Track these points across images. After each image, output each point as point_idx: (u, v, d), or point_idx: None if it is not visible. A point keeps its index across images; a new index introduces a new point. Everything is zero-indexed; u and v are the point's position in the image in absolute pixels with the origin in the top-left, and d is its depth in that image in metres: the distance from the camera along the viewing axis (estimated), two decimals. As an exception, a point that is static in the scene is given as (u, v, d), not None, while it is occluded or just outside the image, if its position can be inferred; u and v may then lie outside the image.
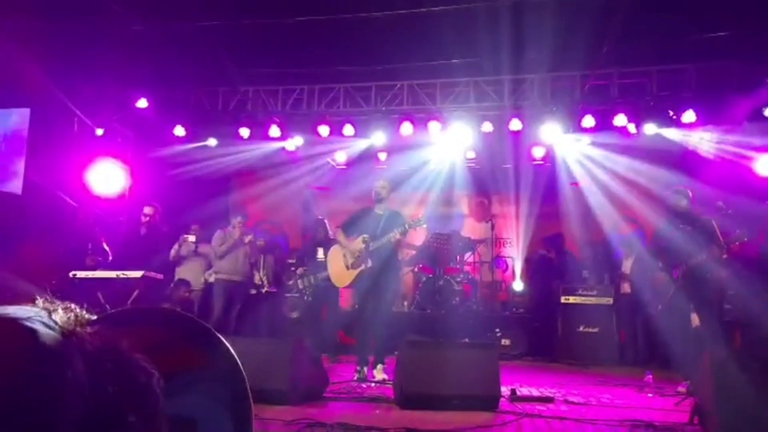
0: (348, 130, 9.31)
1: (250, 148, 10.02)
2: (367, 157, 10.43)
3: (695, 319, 5.88)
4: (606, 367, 7.62)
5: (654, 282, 6.38)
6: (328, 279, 6.88)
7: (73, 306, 0.76)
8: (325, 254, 7.44)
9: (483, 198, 11.86)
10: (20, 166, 8.92)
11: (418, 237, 9.72)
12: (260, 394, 3.77)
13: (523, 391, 5.22)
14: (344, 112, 9.42)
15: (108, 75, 8.93)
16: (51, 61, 7.86)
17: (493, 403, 4.40)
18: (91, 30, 7.61)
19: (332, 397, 4.85)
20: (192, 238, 8.47)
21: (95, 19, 7.49)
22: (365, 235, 6.08)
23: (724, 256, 5.66)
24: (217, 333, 1.15)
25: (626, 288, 8.39)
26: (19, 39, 7.27)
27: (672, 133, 8.76)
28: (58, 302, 0.75)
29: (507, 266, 11.18)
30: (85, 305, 0.79)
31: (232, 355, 1.13)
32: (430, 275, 9.38)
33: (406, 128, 9.04)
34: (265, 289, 8.86)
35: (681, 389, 5.28)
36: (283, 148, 10.06)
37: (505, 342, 8.72)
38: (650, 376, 6.09)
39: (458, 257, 9.95)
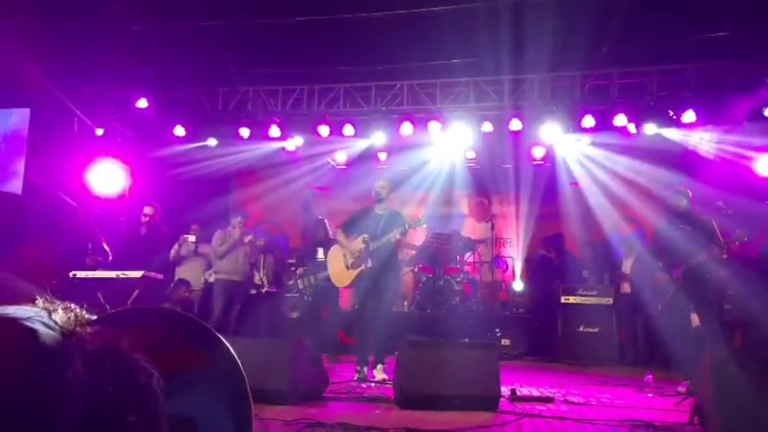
0: (348, 130, 9.30)
1: (250, 148, 10.02)
2: (367, 157, 10.42)
3: (695, 319, 5.88)
4: (606, 367, 7.61)
5: (654, 282, 6.38)
6: (328, 279, 6.88)
7: (73, 306, 0.76)
8: (325, 254, 7.44)
9: (483, 198, 11.86)
10: (20, 166, 8.92)
11: (418, 237, 9.72)
12: (260, 394, 3.77)
13: (523, 391, 5.22)
14: (344, 112, 9.42)
15: (108, 75, 8.92)
16: (51, 61, 7.85)
17: (493, 403, 4.40)
18: (91, 30, 7.61)
19: (332, 397, 4.85)
20: (192, 238, 8.47)
21: (95, 19, 7.48)
22: (365, 235, 6.08)
23: (724, 256, 5.66)
24: (217, 333, 1.15)
25: (626, 288, 8.39)
26: (19, 39, 7.27)
27: (672, 133, 8.76)
28: (58, 302, 0.75)
29: (507, 266, 11.18)
30: (85, 305, 0.79)
31: (232, 355, 1.13)
32: (430, 275, 9.38)
33: (406, 128, 9.04)
34: (265, 289, 8.86)
35: (681, 389, 5.28)
36: (283, 148, 10.06)
37: (505, 342, 8.72)
38: (650, 376, 6.09)
39: (458, 257, 9.94)
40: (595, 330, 8.45)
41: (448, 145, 9.78)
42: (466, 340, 7.00)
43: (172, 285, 8.05)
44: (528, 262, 10.81)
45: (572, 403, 4.77)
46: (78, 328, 0.71)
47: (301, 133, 9.78)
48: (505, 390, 4.79)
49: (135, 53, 8.30)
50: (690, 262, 5.66)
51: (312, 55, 8.65)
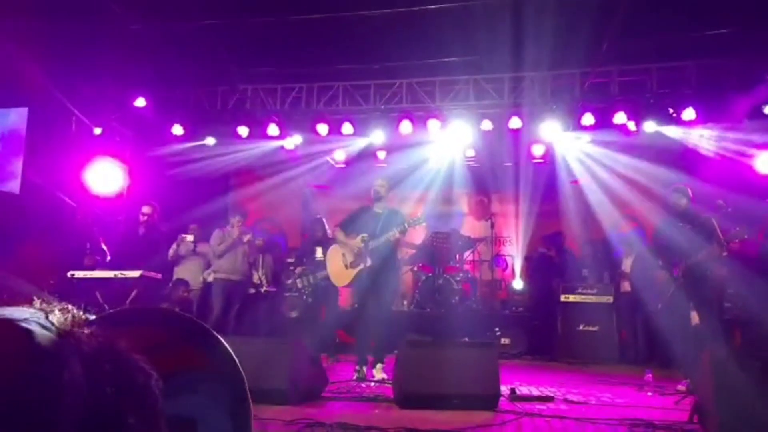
0: (347, 128, 9.29)
1: (248, 147, 10.00)
2: (367, 155, 10.41)
3: (695, 318, 5.87)
4: (606, 366, 7.61)
5: (654, 280, 6.37)
6: (327, 278, 6.87)
7: (70, 307, 0.75)
8: (324, 253, 7.43)
9: (483, 196, 11.86)
10: (18, 165, 8.90)
11: (418, 235, 9.72)
12: (259, 394, 3.74)
13: (523, 390, 5.22)
14: (343, 111, 9.40)
15: (106, 74, 8.90)
16: (49, 60, 7.84)
17: (492, 402, 4.40)
18: (89, 30, 7.60)
19: (331, 397, 4.84)
20: (190, 237, 8.45)
21: (94, 19, 7.47)
22: (364, 234, 6.06)
23: (724, 254, 5.66)
24: (215, 333, 1.14)
25: (626, 286, 8.38)
26: (17, 39, 7.26)
27: (672, 131, 8.75)
28: (55, 303, 0.74)
29: (507, 265, 11.17)
30: (83, 305, 0.79)
31: (231, 355, 1.12)
32: (430, 274, 9.37)
33: (406, 126, 9.03)
34: (264, 288, 8.84)
35: (681, 388, 5.28)
36: (282, 147, 10.04)
37: (505, 341, 8.71)
38: (650, 375, 6.09)
39: (458, 256, 9.94)
40: (595, 329, 8.45)
41: (447, 143, 9.77)
42: (466, 339, 7.00)
43: (170, 285, 8.04)
44: (528, 260, 10.81)
45: (572, 402, 4.77)
46: (75, 329, 0.71)
47: (300, 132, 9.76)
48: (504, 389, 4.79)
49: (133, 52, 8.28)
50: (690, 261, 5.66)
51: (311, 54, 8.64)
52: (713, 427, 3.42)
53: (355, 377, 5.78)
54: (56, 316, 0.71)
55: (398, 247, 6.31)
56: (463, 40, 7.84)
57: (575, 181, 10.13)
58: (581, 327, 8.49)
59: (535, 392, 5.20)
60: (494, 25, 7.22)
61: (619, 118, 8.47)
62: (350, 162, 10.68)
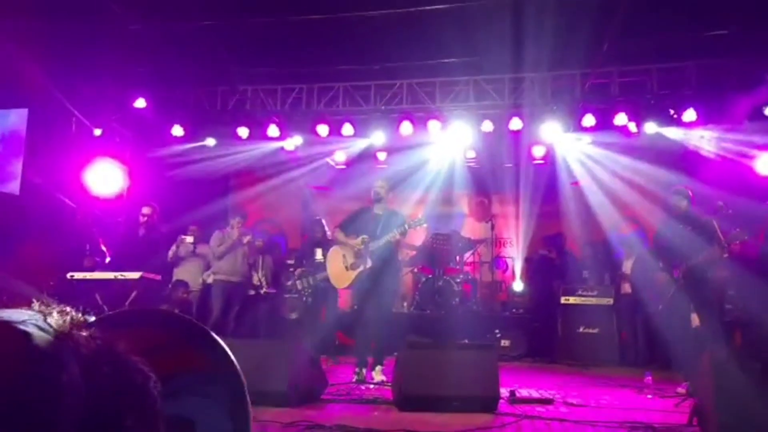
0: (347, 129, 9.29)
1: (248, 148, 9.99)
2: (367, 156, 10.41)
3: (695, 320, 5.87)
4: (606, 368, 7.60)
5: (654, 282, 6.37)
6: (326, 279, 6.86)
7: (68, 309, 0.75)
8: (324, 255, 7.42)
9: (483, 197, 11.85)
10: (18, 166, 8.91)
11: (418, 237, 9.71)
12: (259, 396, 3.75)
13: (523, 392, 5.21)
14: (343, 112, 9.40)
15: (106, 75, 8.91)
16: (49, 61, 7.84)
17: (492, 404, 4.39)
18: (89, 30, 7.60)
19: (331, 399, 4.84)
20: (190, 238, 8.45)
21: (93, 19, 7.47)
22: (364, 236, 6.06)
23: (725, 256, 5.65)
24: (215, 334, 1.14)
25: (626, 288, 8.37)
26: (17, 39, 7.26)
27: (672, 132, 8.75)
28: (53, 305, 0.74)
29: (507, 266, 11.16)
30: (83, 307, 0.79)
31: (231, 357, 1.12)
32: (430, 276, 9.36)
33: (406, 127, 9.02)
34: (264, 290, 8.84)
35: (681, 390, 5.27)
36: (282, 148, 10.04)
37: (505, 343, 8.70)
38: (649, 377, 6.08)
39: (458, 257, 9.93)
40: (595, 331, 8.43)
41: (447, 144, 9.77)
42: (466, 341, 6.99)
43: (170, 286, 8.03)
44: (528, 262, 10.79)
45: (572, 404, 4.77)
46: (74, 331, 0.71)
47: (300, 133, 9.76)
48: (504, 391, 4.78)
49: (133, 53, 8.29)
50: (691, 262, 5.65)
51: (311, 55, 8.64)
52: (713, 429, 3.41)
53: (354, 379, 5.77)
54: (54, 318, 0.71)
55: (398, 249, 6.30)
56: (463, 41, 7.83)
57: (575, 183, 10.13)
58: (581, 329, 8.47)
59: (535, 394, 5.19)
60: (494, 25, 7.22)
61: (620, 119, 8.47)
62: (350, 163, 10.67)
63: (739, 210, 6.03)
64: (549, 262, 9.57)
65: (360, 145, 9.99)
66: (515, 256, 11.20)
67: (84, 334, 0.71)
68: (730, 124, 8.33)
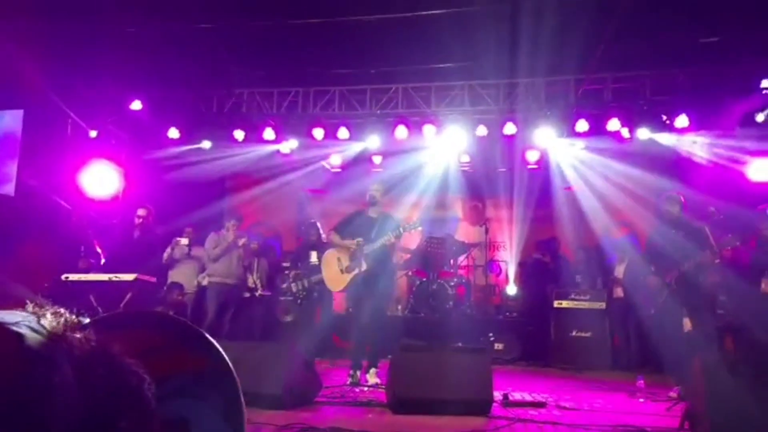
0: (343, 133, 9.30)
1: (244, 150, 10.00)
2: (362, 160, 10.43)
3: (687, 324, 5.90)
4: (599, 372, 7.63)
5: (647, 287, 6.39)
6: (321, 282, 6.87)
7: (62, 310, 0.75)
8: (318, 257, 7.43)
9: (477, 202, 11.87)
10: (13, 168, 8.88)
11: (413, 240, 9.73)
12: (253, 399, 3.76)
13: (516, 395, 5.22)
14: (339, 115, 9.42)
15: (102, 77, 8.89)
16: (45, 62, 7.82)
17: (485, 407, 4.40)
18: (85, 32, 7.59)
19: (325, 402, 4.84)
20: (185, 241, 8.44)
21: (89, 21, 7.46)
22: (359, 239, 6.07)
23: (717, 261, 5.69)
24: (210, 337, 1.15)
25: (619, 292, 8.40)
26: (12, 40, 7.24)
27: (665, 138, 8.80)
28: (47, 306, 0.74)
29: (500, 270, 11.18)
30: (77, 308, 0.79)
31: (225, 359, 1.12)
32: (424, 279, 9.37)
33: (401, 131, 9.05)
34: (259, 292, 8.83)
35: (672, 394, 5.30)
36: (278, 151, 10.05)
37: (498, 346, 8.72)
38: (642, 381, 6.10)
39: (452, 261, 9.95)
40: (588, 335, 8.46)
41: (442, 148, 9.80)
42: (460, 344, 7.00)
43: (165, 288, 8.02)
44: (522, 266, 10.83)
45: (564, 408, 4.78)
46: (67, 333, 0.70)
47: (296, 136, 9.77)
48: (497, 395, 4.80)
49: (130, 55, 8.28)
50: (683, 267, 5.69)
51: (307, 58, 8.66)
52: (704, 433, 3.44)
53: (348, 382, 5.77)
54: (48, 320, 0.70)
55: (393, 252, 6.32)
56: (459, 46, 7.87)
57: (569, 188, 10.17)
58: (574, 333, 8.50)
59: (528, 398, 5.21)
60: (490, 31, 7.26)
61: (613, 124, 8.52)
62: (346, 166, 10.69)
63: (730, 216, 6.07)
64: (543, 266, 9.60)
65: (355, 148, 10.01)
66: (509, 259, 11.23)
67: (78, 335, 0.71)
68: (721, 130, 8.39)
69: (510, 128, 8.89)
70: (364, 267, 6.04)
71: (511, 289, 10.54)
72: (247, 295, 8.73)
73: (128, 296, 6.49)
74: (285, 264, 9.34)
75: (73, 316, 0.75)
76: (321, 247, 7.70)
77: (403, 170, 10.27)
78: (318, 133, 9.30)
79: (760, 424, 3.19)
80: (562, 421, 4.17)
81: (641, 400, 5.40)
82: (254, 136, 9.50)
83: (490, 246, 10.96)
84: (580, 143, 9.39)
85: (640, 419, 4.28)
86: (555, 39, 7.19)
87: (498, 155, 10.34)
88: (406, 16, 7.40)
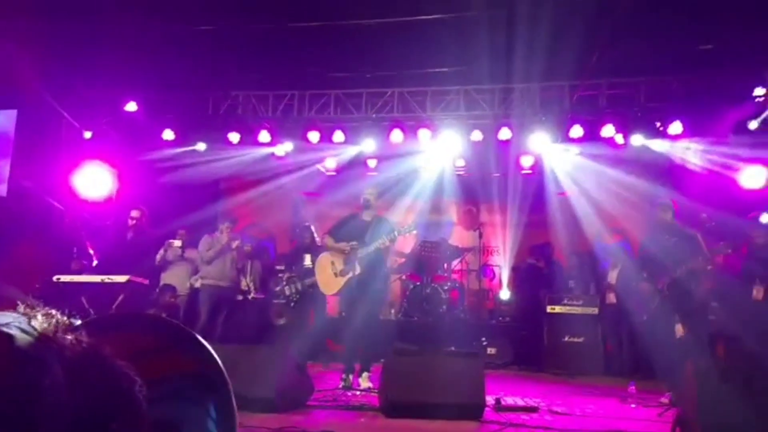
0: (338, 136, 9.30)
1: (239, 153, 9.98)
2: (357, 163, 10.43)
3: (679, 330, 5.92)
4: (591, 377, 7.64)
5: (639, 292, 6.42)
6: (314, 285, 6.87)
7: (53, 312, 0.75)
8: (312, 260, 7.42)
9: (471, 206, 11.89)
10: (6, 168, 8.84)
11: (408, 244, 9.73)
12: (245, 402, 3.75)
13: (508, 400, 5.23)
14: (335, 119, 9.43)
15: (97, 77, 8.87)
16: (39, 62, 7.80)
17: (477, 412, 4.41)
18: (79, 32, 7.57)
19: (317, 405, 4.84)
20: (178, 242, 8.42)
21: (84, 21, 7.44)
22: (353, 242, 6.08)
23: (709, 267, 5.72)
24: (202, 339, 1.14)
25: (611, 298, 8.43)
26: (6, 39, 7.22)
27: (658, 144, 8.84)
28: (38, 308, 0.74)
29: (494, 275, 11.20)
30: (69, 310, 0.79)
31: (217, 362, 1.12)
32: (418, 283, 9.38)
33: (396, 135, 9.06)
34: (252, 295, 8.81)
35: (664, 400, 5.32)
36: (273, 154, 10.04)
37: (491, 351, 8.73)
38: (633, 387, 6.12)
39: (446, 265, 9.96)
40: (581, 340, 8.48)
41: (437, 152, 9.82)
42: (453, 348, 7.00)
43: (157, 290, 7.99)
44: (516, 270, 10.85)
45: (556, 413, 4.79)
46: (58, 334, 0.70)
47: (291, 139, 9.76)
48: (490, 399, 4.80)
49: (125, 56, 8.26)
50: (675, 273, 5.72)
51: (303, 61, 8.66)
52: (695, 439, 3.45)
53: (341, 385, 5.77)
54: (39, 321, 0.70)
55: (387, 256, 6.32)
56: (454, 51, 7.89)
57: (563, 193, 10.20)
58: (567, 338, 8.51)
59: (520, 402, 5.22)
60: (485, 36, 7.28)
61: (608, 130, 8.55)
62: (341, 170, 10.69)
63: (722, 223, 6.11)
64: (536, 271, 9.62)
65: (350, 152, 10.01)
66: (502, 264, 11.26)
67: (69, 337, 0.71)
68: (715, 137, 8.44)
69: (505, 133, 8.92)
70: (357, 270, 6.04)
71: (505, 294, 10.57)
72: (240, 297, 8.71)
73: (120, 298, 6.47)
74: (279, 267, 9.32)
75: (65, 318, 0.75)
76: (315, 250, 7.70)
77: (397, 174, 10.28)
78: (313, 136, 9.30)
79: (749, 431, 3.21)
80: (554, 426, 4.18)
81: (633, 405, 5.42)
82: (249, 139, 9.48)
83: (483, 250, 10.98)
84: (575, 149, 9.42)
85: (632, 425, 4.30)
86: (550, 45, 7.22)
87: (492, 160, 10.37)
88: (402, 21, 7.42)
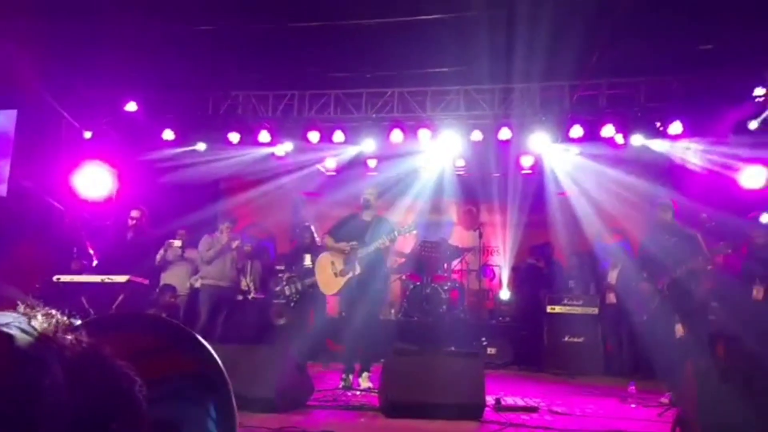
0: (338, 136, 9.30)
1: (239, 153, 9.98)
2: (357, 163, 10.43)
3: (679, 330, 5.92)
4: (591, 377, 7.64)
5: (639, 292, 6.42)
6: (314, 285, 6.87)
7: (53, 312, 0.75)
8: (312, 260, 7.42)
9: (471, 206, 11.89)
10: (6, 168, 8.84)
11: (408, 244, 9.73)
12: (245, 402, 3.75)
13: (508, 400, 5.23)
14: (335, 119, 9.42)
15: (97, 77, 8.87)
16: (39, 62, 7.80)
17: (477, 412, 4.41)
18: (80, 32, 7.57)
19: (317, 405, 4.84)
20: (178, 242, 8.42)
21: (84, 21, 7.44)
22: (353, 242, 6.08)
23: (709, 267, 5.72)
24: (202, 339, 1.14)
25: (611, 298, 8.43)
26: (6, 39, 7.21)
27: (658, 144, 8.84)
28: (38, 308, 0.74)
29: (494, 275, 11.20)
30: (69, 310, 0.79)
31: (217, 362, 1.12)
32: (418, 283, 9.38)
33: (396, 135, 9.06)
34: (252, 295, 8.81)
35: (664, 400, 5.32)
36: (273, 154, 10.04)
37: (491, 351, 8.73)
38: (633, 387, 6.12)
39: (446, 265, 9.96)
40: (581, 340, 8.48)
41: (437, 153, 9.81)
42: (453, 348, 7.00)
43: (157, 290, 7.98)
44: (516, 270, 10.85)
45: (556, 413, 4.79)
46: (58, 334, 0.70)
47: (291, 139, 9.76)
48: (490, 399, 4.80)
49: (125, 56, 8.26)
50: (675, 273, 5.72)
51: (303, 61, 8.66)
52: (695, 439, 3.45)
53: (341, 385, 5.77)
54: (39, 321, 0.70)
55: (387, 256, 6.32)
56: (454, 51, 7.89)
57: (562, 193, 10.20)
58: (567, 338, 8.51)
59: (520, 402, 5.21)
60: (485, 36, 7.28)
61: (608, 130, 8.55)
62: (341, 170, 10.68)
63: (722, 223, 6.11)
64: (536, 271, 9.61)
65: (350, 152, 10.01)
66: (502, 264, 11.26)
67: (69, 337, 0.71)
68: (715, 137, 8.44)
69: (505, 133, 8.91)
70: (357, 270, 6.05)
71: (505, 294, 10.56)
72: (240, 297, 8.70)
73: (120, 298, 6.47)
74: (278, 267, 9.32)
75: (65, 318, 0.75)
76: (315, 250, 7.70)
77: (397, 174, 10.28)
78: (313, 136, 9.30)
79: (749, 431, 3.21)
80: (554, 426, 4.18)
81: (633, 405, 5.42)
82: (249, 139, 9.48)
83: (483, 250, 10.98)
84: (575, 149, 9.41)
85: (632, 425, 4.30)
86: (550, 45, 7.22)
87: (492, 160, 10.37)
88: (402, 21, 7.42)
